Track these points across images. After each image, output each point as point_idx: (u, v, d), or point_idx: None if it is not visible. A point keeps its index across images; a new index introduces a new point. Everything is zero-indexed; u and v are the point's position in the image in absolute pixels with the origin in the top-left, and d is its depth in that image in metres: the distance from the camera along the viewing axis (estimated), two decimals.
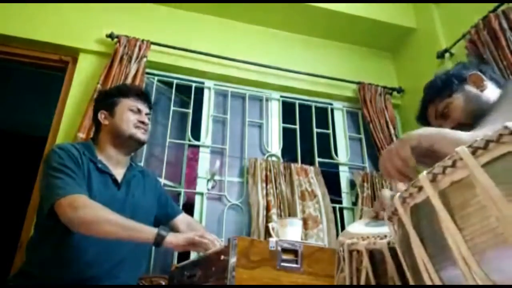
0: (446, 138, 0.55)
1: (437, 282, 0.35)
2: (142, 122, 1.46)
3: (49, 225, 1.24)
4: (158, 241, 1.16)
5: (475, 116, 1.00)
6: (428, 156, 0.57)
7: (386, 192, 0.74)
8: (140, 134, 1.45)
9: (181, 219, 1.60)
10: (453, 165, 0.33)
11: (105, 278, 1.26)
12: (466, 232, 0.32)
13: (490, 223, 0.30)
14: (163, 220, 1.57)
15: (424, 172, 0.35)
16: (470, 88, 1.07)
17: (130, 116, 1.45)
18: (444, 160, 0.34)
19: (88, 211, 1.17)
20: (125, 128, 1.43)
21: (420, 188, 0.36)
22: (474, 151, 0.31)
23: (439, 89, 1.11)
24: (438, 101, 1.11)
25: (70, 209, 1.16)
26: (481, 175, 0.30)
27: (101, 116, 1.46)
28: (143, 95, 1.53)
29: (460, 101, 1.06)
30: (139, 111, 1.48)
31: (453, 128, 1.06)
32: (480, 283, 0.31)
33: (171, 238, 1.17)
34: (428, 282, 0.36)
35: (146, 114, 1.50)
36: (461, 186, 0.33)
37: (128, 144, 1.45)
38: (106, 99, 1.50)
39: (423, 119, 1.19)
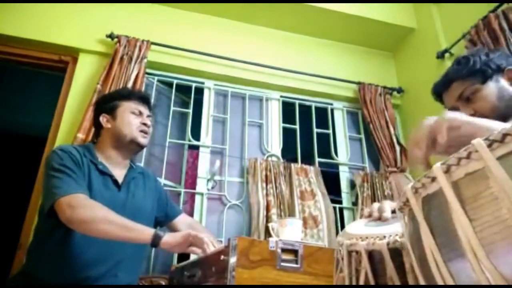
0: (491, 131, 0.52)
1: (445, 273, 0.35)
2: (145, 124, 1.47)
3: (50, 226, 1.25)
4: (156, 241, 1.15)
5: (501, 113, 0.96)
6: (455, 146, 0.52)
7: (386, 205, 0.73)
8: (142, 138, 1.46)
9: (182, 219, 1.61)
10: (468, 156, 0.33)
11: (104, 278, 1.26)
12: (477, 223, 0.32)
13: (501, 215, 0.30)
14: (164, 220, 1.58)
15: (438, 163, 0.35)
16: (504, 83, 1.01)
17: (133, 119, 1.46)
18: (459, 152, 0.34)
19: (86, 210, 1.17)
20: (127, 131, 1.44)
21: (433, 179, 0.36)
22: (490, 143, 0.31)
23: (475, 71, 1.02)
24: (468, 82, 1.03)
25: (69, 208, 1.16)
26: (496, 167, 0.30)
27: (103, 119, 1.47)
28: (144, 98, 1.54)
29: (491, 93, 1.00)
30: (140, 114, 1.49)
31: (471, 116, 0.98)
32: (488, 275, 0.31)
33: (168, 238, 1.17)
34: (436, 274, 0.36)
35: (148, 116, 1.51)
36: (475, 178, 0.33)
37: (129, 147, 1.46)
38: (107, 102, 1.51)
39: (439, 92, 1.12)
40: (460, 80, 1.04)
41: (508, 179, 0.30)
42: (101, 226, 1.15)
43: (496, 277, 0.31)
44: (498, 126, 0.53)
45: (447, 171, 0.34)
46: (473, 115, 1.01)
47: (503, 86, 1.00)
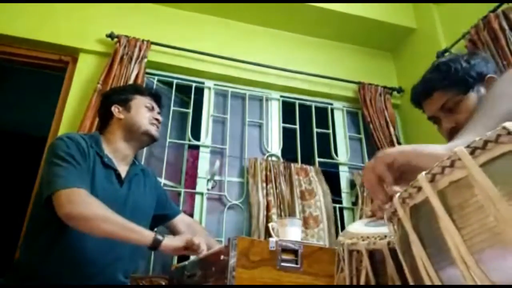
0: (423, 154, 0.53)
1: (436, 282, 0.36)
2: (157, 120, 1.51)
3: (45, 217, 1.21)
4: (155, 245, 1.15)
5: None
6: (410, 172, 0.54)
7: None
8: (154, 131, 1.49)
9: (180, 219, 1.60)
10: (452, 165, 0.33)
11: (99, 276, 1.24)
12: (465, 231, 0.32)
13: (488, 223, 0.30)
14: (162, 220, 1.57)
15: (423, 173, 0.35)
16: (483, 91, 0.99)
17: (146, 113, 1.49)
18: (443, 160, 0.34)
19: (87, 207, 1.13)
20: (142, 123, 1.46)
21: (419, 189, 0.36)
22: (473, 151, 0.31)
23: (458, 81, 1.00)
24: (450, 93, 1.00)
25: (69, 203, 1.12)
26: (479, 175, 0.30)
27: (115, 109, 1.47)
28: (156, 96, 1.58)
29: (473, 103, 0.98)
30: (153, 109, 1.53)
31: (453, 128, 1.01)
32: (479, 282, 0.31)
33: (167, 242, 1.17)
34: (427, 282, 0.37)
35: (158, 112, 1.55)
36: (460, 186, 0.33)
37: (140, 139, 1.47)
38: (120, 95, 1.53)
39: (419, 100, 1.09)
40: (441, 90, 1.02)
41: (492, 186, 0.30)
42: (101, 225, 1.13)
43: (485, 283, 0.31)
44: (428, 148, 0.54)
45: (432, 180, 0.35)
46: (454, 127, 1.00)
47: (483, 95, 0.98)
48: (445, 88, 1.01)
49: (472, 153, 0.31)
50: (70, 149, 1.25)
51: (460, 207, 0.33)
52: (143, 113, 1.48)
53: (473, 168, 0.31)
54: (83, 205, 1.14)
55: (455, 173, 0.33)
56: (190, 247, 1.19)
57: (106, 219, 1.14)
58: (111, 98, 1.52)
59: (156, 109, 1.54)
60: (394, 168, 0.56)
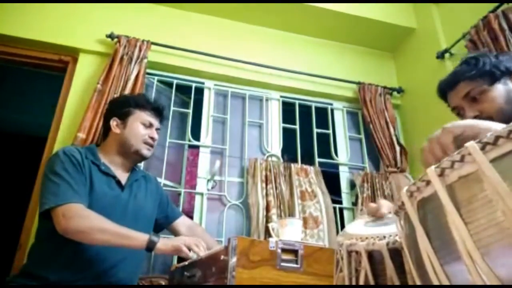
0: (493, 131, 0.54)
1: (442, 276, 0.36)
2: (152, 138, 1.50)
3: (50, 227, 1.26)
4: (150, 247, 1.20)
5: (507, 116, 0.96)
6: None
7: (384, 203, 0.73)
8: (146, 151, 1.49)
9: (182, 222, 1.64)
10: (462, 159, 0.33)
11: (105, 277, 1.28)
12: (472, 226, 0.32)
13: (496, 218, 0.31)
14: (164, 222, 1.61)
15: (432, 167, 0.35)
16: (511, 85, 1.00)
17: (141, 131, 1.49)
18: (452, 155, 0.34)
19: (81, 221, 1.19)
20: (134, 142, 1.47)
21: (428, 182, 0.36)
22: (483, 146, 0.31)
23: (484, 72, 1.01)
24: (476, 83, 1.01)
25: (64, 219, 1.19)
26: (489, 170, 0.31)
27: (113, 123, 1.50)
28: (157, 110, 1.57)
29: (499, 95, 0.99)
30: (150, 126, 1.52)
31: (476, 117, 1.00)
32: (484, 277, 0.31)
33: (160, 246, 1.21)
34: (433, 277, 0.37)
35: (157, 129, 1.55)
36: (469, 181, 0.33)
37: (132, 157, 1.49)
38: (121, 107, 1.54)
39: (444, 91, 1.11)
40: (467, 80, 1.03)
41: (502, 181, 0.30)
42: (96, 236, 1.19)
43: (492, 279, 0.31)
44: (499, 127, 0.53)
45: (441, 174, 0.35)
46: (477, 116, 1.01)
47: (511, 89, 0.99)
48: (471, 78, 1.03)
49: (482, 148, 0.31)
50: (64, 164, 1.30)
51: (468, 201, 0.33)
52: (138, 131, 1.48)
53: (483, 163, 0.31)
54: (78, 220, 1.19)
55: (465, 167, 0.33)
56: (185, 254, 1.23)
57: (102, 230, 1.19)
58: (112, 110, 1.55)
59: (155, 124, 1.54)
60: (458, 141, 0.56)
